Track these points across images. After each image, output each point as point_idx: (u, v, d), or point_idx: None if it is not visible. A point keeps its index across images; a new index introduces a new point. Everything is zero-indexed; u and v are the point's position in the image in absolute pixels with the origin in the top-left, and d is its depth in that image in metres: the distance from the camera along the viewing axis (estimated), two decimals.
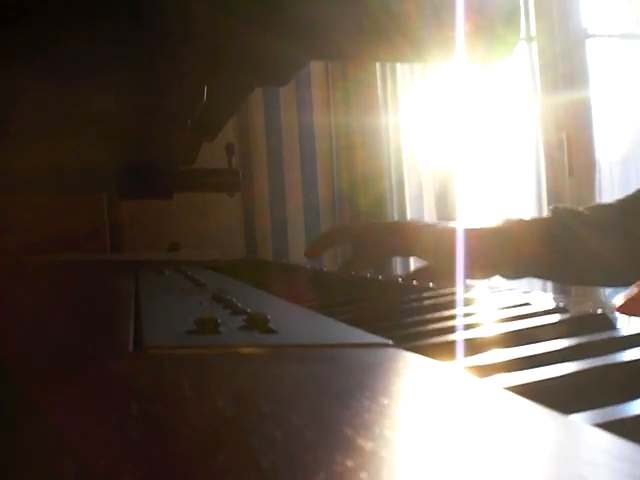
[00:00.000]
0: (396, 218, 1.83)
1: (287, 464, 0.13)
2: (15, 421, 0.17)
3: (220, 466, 0.13)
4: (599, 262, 0.77)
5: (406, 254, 0.88)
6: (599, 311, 0.35)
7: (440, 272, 0.74)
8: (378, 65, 1.83)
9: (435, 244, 0.80)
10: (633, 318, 0.36)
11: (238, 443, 0.15)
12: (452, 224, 0.85)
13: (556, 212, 0.82)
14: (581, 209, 0.83)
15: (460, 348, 0.30)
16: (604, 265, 0.77)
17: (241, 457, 0.14)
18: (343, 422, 0.16)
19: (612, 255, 0.76)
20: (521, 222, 0.82)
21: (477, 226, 0.82)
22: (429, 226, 0.91)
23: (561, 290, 1.30)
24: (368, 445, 0.14)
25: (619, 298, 0.41)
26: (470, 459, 0.14)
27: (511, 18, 0.50)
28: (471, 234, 0.79)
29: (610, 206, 0.83)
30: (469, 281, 0.77)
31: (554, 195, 1.97)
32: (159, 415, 0.17)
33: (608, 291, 1.42)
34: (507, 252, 0.79)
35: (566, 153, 1.96)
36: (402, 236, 0.85)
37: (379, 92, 1.84)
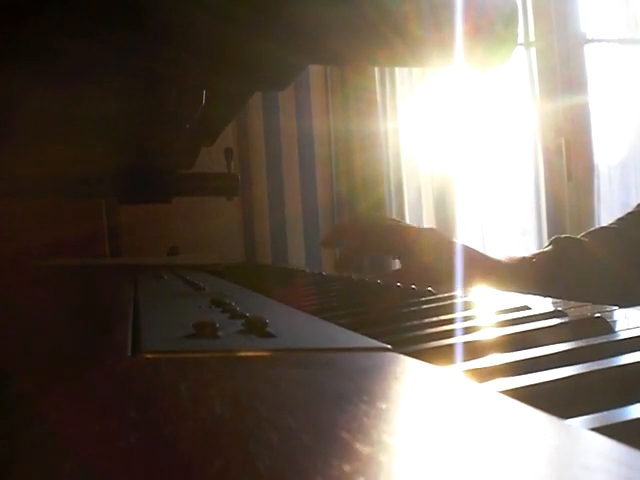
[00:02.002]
0: None
1: (284, 468, 0.13)
2: (13, 424, 0.17)
3: (217, 470, 0.13)
4: (603, 290, 0.76)
5: (404, 255, 0.88)
6: (597, 315, 0.36)
7: (413, 276, 0.74)
8: (377, 70, 1.83)
9: (436, 251, 0.80)
10: (630, 321, 0.36)
11: (236, 447, 0.15)
12: (456, 242, 0.86)
13: (558, 244, 0.82)
14: (582, 238, 0.83)
15: (458, 352, 0.30)
16: (608, 291, 0.76)
17: (238, 461, 0.14)
18: (341, 426, 0.16)
19: (617, 280, 0.76)
20: (524, 260, 0.82)
21: (481, 257, 0.83)
22: (431, 230, 0.91)
23: None
24: (365, 450, 0.14)
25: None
26: (467, 463, 0.14)
27: (509, 22, 0.50)
28: (476, 263, 0.79)
29: (611, 229, 0.83)
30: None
31: (553, 200, 1.97)
32: (157, 419, 0.17)
33: None
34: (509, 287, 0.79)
35: (565, 158, 1.97)
36: (402, 237, 0.85)
37: (378, 97, 1.84)
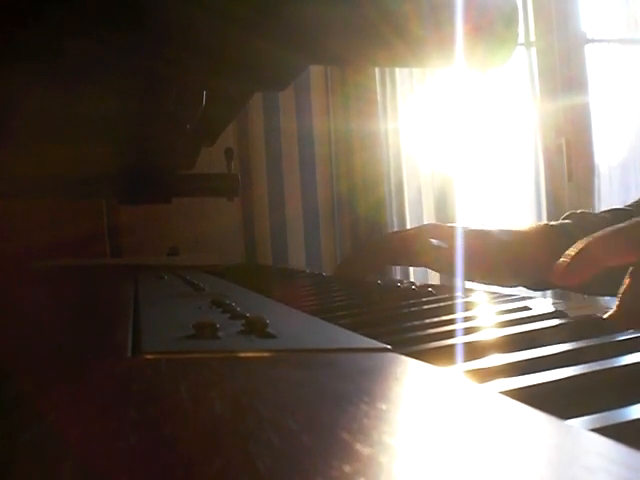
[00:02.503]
0: (395, 222, 1.83)
1: (284, 469, 0.13)
2: (13, 424, 0.17)
3: (218, 470, 0.13)
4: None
5: (405, 263, 0.87)
6: (598, 315, 0.36)
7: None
8: (377, 70, 1.83)
9: (433, 249, 0.79)
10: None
11: (236, 448, 0.15)
12: (452, 226, 0.83)
13: (573, 217, 0.80)
14: (598, 212, 0.81)
15: (459, 353, 0.30)
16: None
17: (239, 462, 0.14)
18: (341, 427, 0.16)
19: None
20: (527, 229, 0.80)
21: (480, 230, 0.80)
22: (430, 226, 0.89)
23: (560, 295, 1.30)
24: (366, 450, 0.14)
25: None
26: (467, 464, 0.14)
27: (509, 22, 0.50)
28: (472, 238, 0.77)
29: (627, 211, 0.81)
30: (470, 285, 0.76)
31: (553, 200, 1.97)
32: (157, 420, 0.17)
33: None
34: (505, 257, 0.77)
35: (565, 158, 1.97)
36: (401, 241, 0.84)
37: (378, 97, 1.84)
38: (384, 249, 0.86)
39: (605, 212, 0.81)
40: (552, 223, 0.80)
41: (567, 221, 0.79)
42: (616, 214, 0.79)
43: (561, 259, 0.44)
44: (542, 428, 0.17)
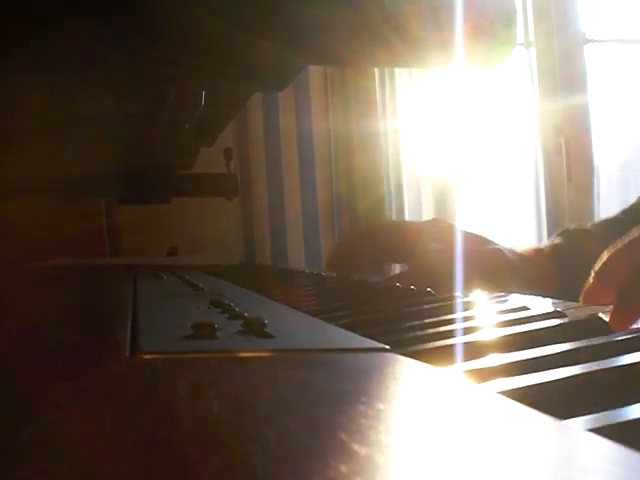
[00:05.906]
0: None
1: (282, 469, 0.13)
2: (13, 424, 0.17)
3: (215, 470, 0.13)
4: None
5: (407, 258, 0.85)
6: (596, 315, 0.35)
7: (425, 276, 0.70)
8: (377, 70, 1.83)
9: (437, 251, 0.78)
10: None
11: (233, 447, 0.15)
12: (456, 232, 0.81)
13: (567, 235, 0.79)
14: (590, 227, 0.81)
15: (457, 353, 0.30)
16: None
17: (236, 461, 0.14)
18: (338, 427, 0.16)
19: None
20: (540, 252, 0.79)
21: (487, 245, 0.79)
22: (433, 222, 0.87)
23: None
24: (363, 450, 0.14)
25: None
26: (465, 464, 0.14)
27: (508, 21, 0.50)
28: (479, 253, 0.76)
29: (616, 219, 0.81)
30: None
31: (553, 200, 1.97)
32: (155, 420, 0.17)
33: None
34: (516, 281, 0.76)
35: (565, 158, 1.97)
36: (403, 238, 0.83)
37: (378, 96, 1.84)
38: (381, 241, 0.84)
39: (595, 225, 0.81)
40: (542, 247, 0.79)
41: (559, 242, 0.79)
42: (605, 226, 0.80)
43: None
44: (540, 428, 0.17)
